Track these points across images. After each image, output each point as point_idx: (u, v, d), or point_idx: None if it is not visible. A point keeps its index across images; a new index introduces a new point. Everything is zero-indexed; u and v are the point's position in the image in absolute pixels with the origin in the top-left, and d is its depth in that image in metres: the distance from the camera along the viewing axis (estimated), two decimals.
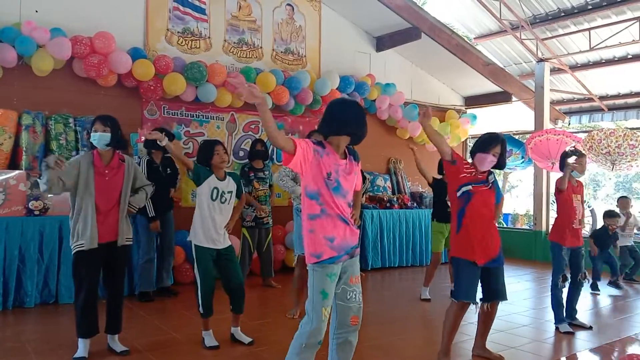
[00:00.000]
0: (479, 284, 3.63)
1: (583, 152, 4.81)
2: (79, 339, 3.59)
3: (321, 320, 2.64)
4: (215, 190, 3.88)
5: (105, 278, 3.71)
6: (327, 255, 2.66)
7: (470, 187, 3.53)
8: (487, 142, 3.60)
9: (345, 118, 2.70)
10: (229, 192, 3.97)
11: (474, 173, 3.57)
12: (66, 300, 5.09)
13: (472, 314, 3.88)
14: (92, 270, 3.55)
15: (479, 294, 3.66)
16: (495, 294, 3.65)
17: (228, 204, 3.96)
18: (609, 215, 6.57)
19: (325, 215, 2.68)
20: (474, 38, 9.67)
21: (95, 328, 3.63)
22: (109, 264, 3.66)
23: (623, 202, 7.13)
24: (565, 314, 4.66)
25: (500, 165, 3.62)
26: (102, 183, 3.56)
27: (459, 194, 3.57)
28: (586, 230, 8.10)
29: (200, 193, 3.91)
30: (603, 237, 6.60)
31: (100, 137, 3.55)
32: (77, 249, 3.50)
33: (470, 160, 3.77)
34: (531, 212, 10.04)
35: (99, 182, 3.54)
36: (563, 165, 4.68)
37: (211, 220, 3.87)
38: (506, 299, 3.69)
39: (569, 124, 10.54)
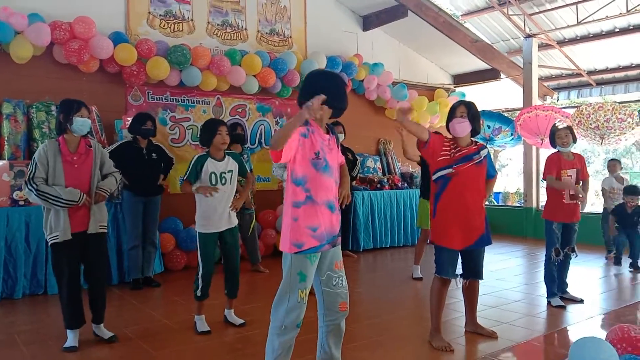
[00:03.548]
0: (460, 260, 3.64)
1: (561, 124, 4.77)
2: (67, 330, 3.55)
3: (297, 302, 2.57)
4: (213, 175, 3.82)
5: (84, 269, 3.64)
6: (309, 245, 2.58)
7: (450, 169, 3.44)
8: (451, 111, 3.59)
9: (328, 90, 2.59)
10: (229, 172, 3.90)
11: (454, 153, 3.48)
12: (55, 290, 4.99)
13: (460, 291, 3.89)
14: (70, 262, 3.49)
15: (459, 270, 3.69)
16: (471, 273, 3.67)
17: (230, 183, 3.90)
18: (628, 192, 6.36)
19: (311, 202, 2.59)
20: (461, 15, 9.57)
21: (82, 319, 3.59)
22: (86, 254, 3.58)
23: (611, 164, 7.17)
24: (556, 288, 4.70)
25: (475, 129, 3.52)
26: (71, 171, 3.47)
27: (434, 178, 3.52)
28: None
29: (198, 181, 3.84)
30: (622, 214, 6.35)
31: (84, 123, 3.50)
32: (52, 241, 3.44)
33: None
34: (522, 191, 10.07)
35: (68, 171, 3.45)
36: (553, 141, 4.67)
37: (212, 205, 3.81)
38: (482, 279, 3.71)
39: (558, 99, 10.53)
